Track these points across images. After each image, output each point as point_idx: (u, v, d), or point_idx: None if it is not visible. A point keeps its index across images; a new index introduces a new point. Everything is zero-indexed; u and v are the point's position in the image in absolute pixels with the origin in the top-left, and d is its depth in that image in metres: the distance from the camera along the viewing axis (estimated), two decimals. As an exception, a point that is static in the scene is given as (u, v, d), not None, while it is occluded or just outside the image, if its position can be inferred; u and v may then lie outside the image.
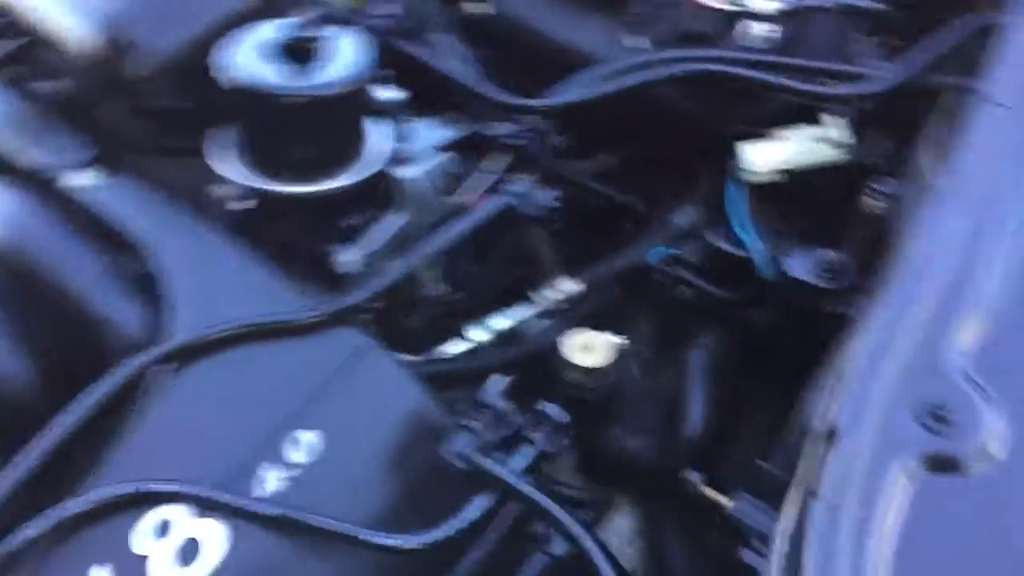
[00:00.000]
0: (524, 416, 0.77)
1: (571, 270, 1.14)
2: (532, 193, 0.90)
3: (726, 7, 0.98)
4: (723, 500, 0.76)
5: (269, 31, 0.86)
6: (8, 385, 0.80)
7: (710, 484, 0.88)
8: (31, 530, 0.67)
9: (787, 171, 0.97)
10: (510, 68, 1.21)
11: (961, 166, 0.73)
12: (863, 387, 0.64)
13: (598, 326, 1.11)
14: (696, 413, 0.97)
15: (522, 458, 0.75)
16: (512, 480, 0.73)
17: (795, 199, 0.99)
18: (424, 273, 0.94)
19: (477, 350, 1.03)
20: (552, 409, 0.77)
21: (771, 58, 0.96)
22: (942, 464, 0.61)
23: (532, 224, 0.92)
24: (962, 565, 0.58)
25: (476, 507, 0.72)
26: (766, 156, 0.98)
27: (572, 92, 0.99)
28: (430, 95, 1.05)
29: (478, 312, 1.08)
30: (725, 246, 0.98)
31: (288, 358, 0.80)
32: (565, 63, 1.10)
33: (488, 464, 0.73)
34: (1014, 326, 0.67)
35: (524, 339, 1.04)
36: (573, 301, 1.09)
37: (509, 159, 0.98)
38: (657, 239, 1.09)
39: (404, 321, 0.98)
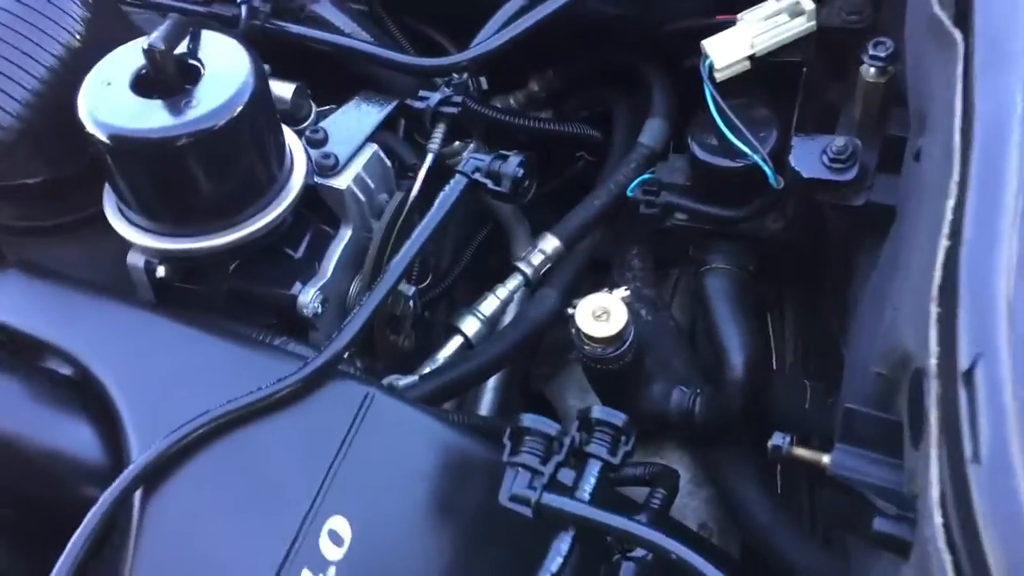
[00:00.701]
0: (577, 431, 0.66)
1: (538, 226, 1.03)
2: (493, 164, 0.77)
3: None
4: (822, 458, 0.66)
5: (125, 60, 0.69)
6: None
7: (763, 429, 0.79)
8: None
9: (754, 57, 0.85)
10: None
11: (990, 17, 0.62)
12: (978, 306, 0.54)
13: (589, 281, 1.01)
14: (735, 350, 0.86)
15: (589, 480, 0.64)
16: (589, 514, 0.62)
17: (773, 86, 0.87)
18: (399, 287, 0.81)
19: (475, 346, 0.92)
20: (602, 412, 0.66)
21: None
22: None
23: (503, 200, 0.79)
24: None
25: (557, 553, 0.62)
26: (729, 47, 0.86)
27: (496, 36, 0.85)
28: (330, 76, 0.90)
29: (460, 300, 0.97)
30: (716, 160, 0.86)
31: (284, 437, 0.68)
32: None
33: (556, 502, 0.62)
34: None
35: (521, 320, 0.93)
36: (556, 260, 0.97)
37: (443, 129, 0.84)
38: (629, 166, 0.98)
39: (389, 340, 0.86)
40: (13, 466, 0.69)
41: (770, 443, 0.70)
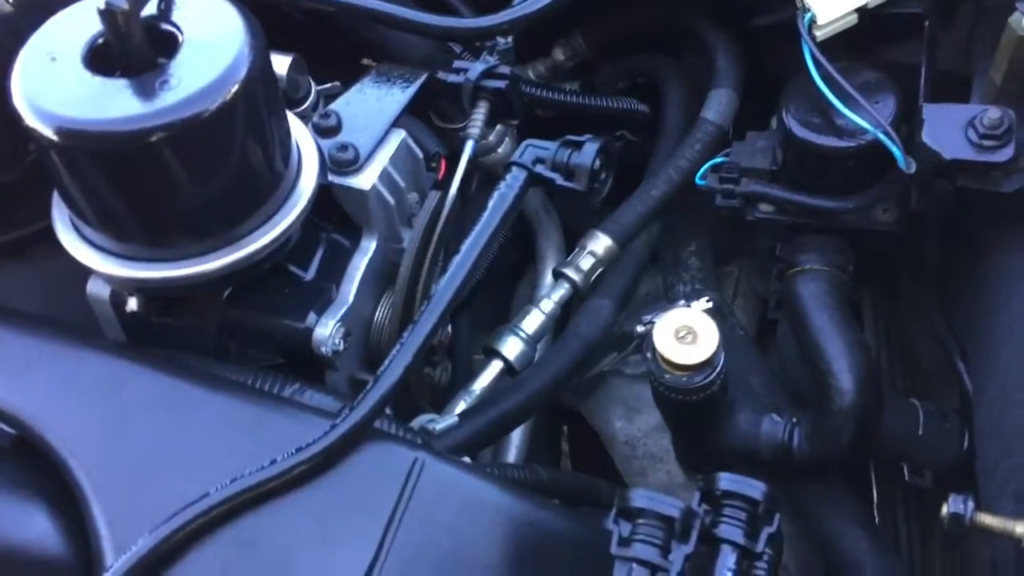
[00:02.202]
0: (699, 506, 0.49)
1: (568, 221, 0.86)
2: (560, 153, 0.60)
3: None
4: (1016, 527, 0.51)
5: (71, 24, 0.51)
6: None
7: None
8: None
9: (864, 9, 0.69)
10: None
11: None
12: None
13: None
14: (844, 371, 0.70)
15: (724, 574, 0.48)
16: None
17: (885, 45, 0.71)
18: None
19: (517, 370, 0.76)
20: (734, 482, 0.50)
21: None
22: None
23: (577, 198, 0.62)
24: None
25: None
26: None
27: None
28: (328, 44, 0.72)
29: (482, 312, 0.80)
30: (823, 139, 0.70)
31: (315, 522, 0.51)
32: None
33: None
34: None
35: (571, 338, 0.77)
36: (609, 263, 0.81)
37: (486, 109, 0.67)
38: (694, 147, 0.81)
39: (425, 377, 0.69)
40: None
41: (948, 510, 0.54)
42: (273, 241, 0.55)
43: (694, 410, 0.70)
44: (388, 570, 0.51)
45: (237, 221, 0.55)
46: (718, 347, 0.65)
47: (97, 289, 0.58)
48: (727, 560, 0.49)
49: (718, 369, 0.67)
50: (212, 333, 0.59)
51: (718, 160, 0.79)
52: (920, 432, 0.76)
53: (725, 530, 0.50)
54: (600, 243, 0.81)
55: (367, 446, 0.53)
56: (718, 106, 0.83)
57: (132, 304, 0.57)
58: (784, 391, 0.80)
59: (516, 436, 0.84)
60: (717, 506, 0.51)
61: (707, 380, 0.66)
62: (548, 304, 0.79)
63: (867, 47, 0.71)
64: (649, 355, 0.66)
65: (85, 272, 0.58)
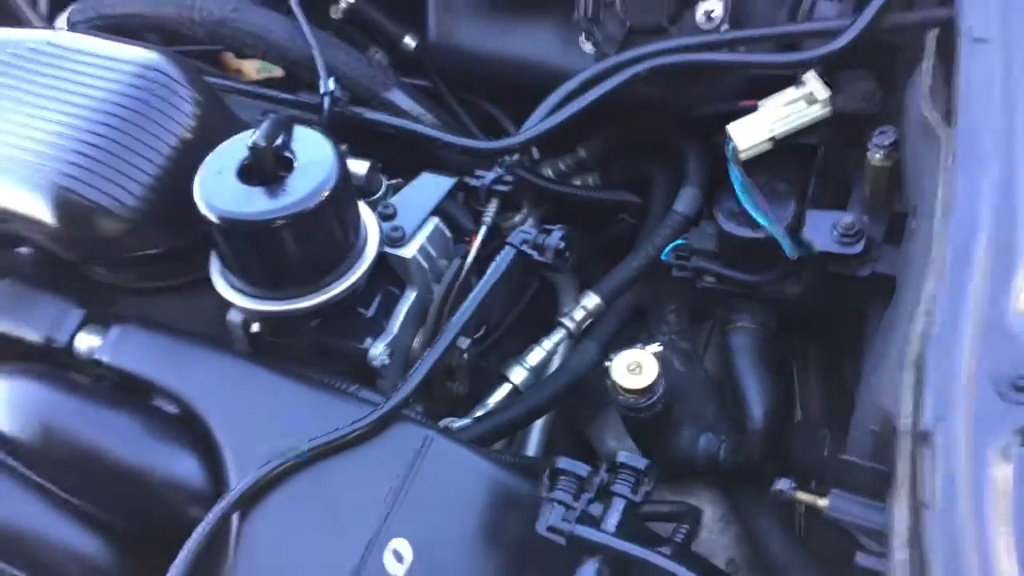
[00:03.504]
0: (605, 473, 0.77)
1: (585, 280, 1.14)
2: (538, 237, 0.89)
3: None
4: (820, 502, 0.76)
5: (232, 152, 0.82)
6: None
7: (785, 473, 0.89)
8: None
9: (774, 139, 0.96)
10: (463, 92, 1.20)
11: (968, 119, 0.72)
12: (942, 378, 0.63)
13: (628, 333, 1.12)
14: (755, 404, 0.97)
15: (614, 515, 0.75)
16: (614, 544, 0.72)
17: (792, 165, 0.98)
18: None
19: (522, 392, 1.04)
20: (626, 457, 0.77)
21: (725, 36, 0.94)
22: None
23: (547, 269, 0.91)
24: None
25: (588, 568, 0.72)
26: (751, 131, 0.96)
27: (545, 120, 0.97)
28: (400, 153, 1.03)
29: (511, 349, 1.08)
30: (740, 231, 0.97)
31: (356, 470, 0.80)
32: (520, 77, 1.10)
33: (586, 533, 0.73)
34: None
35: (563, 370, 1.04)
36: (597, 316, 1.09)
37: (496, 204, 0.97)
38: (665, 231, 1.09)
39: (445, 387, 0.97)
40: (132, 489, 0.82)
41: (775, 486, 0.80)
42: (346, 289, 0.85)
43: (645, 425, 0.97)
44: (396, 517, 0.77)
45: (324, 275, 0.85)
46: (657, 378, 0.91)
47: (233, 317, 0.89)
48: (617, 505, 0.75)
49: (658, 394, 0.93)
50: (305, 348, 0.89)
51: (678, 242, 1.07)
52: (825, 454, 1.01)
53: (618, 487, 0.76)
54: (591, 300, 1.08)
55: (396, 426, 0.82)
56: (686, 201, 1.10)
57: (255, 327, 0.88)
58: (728, 419, 1.06)
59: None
60: (617, 472, 0.77)
61: (650, 402, 0.92)
62: (548, 344, 1.07)
63: (785, 163, 0.98)
64: (609, 383, 0.93)
65: (225, 306, 0.89)
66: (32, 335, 0.88)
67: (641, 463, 0.77)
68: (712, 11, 0.94)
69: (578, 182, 1.22)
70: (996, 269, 0.66)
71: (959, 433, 0.61)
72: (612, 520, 0.74)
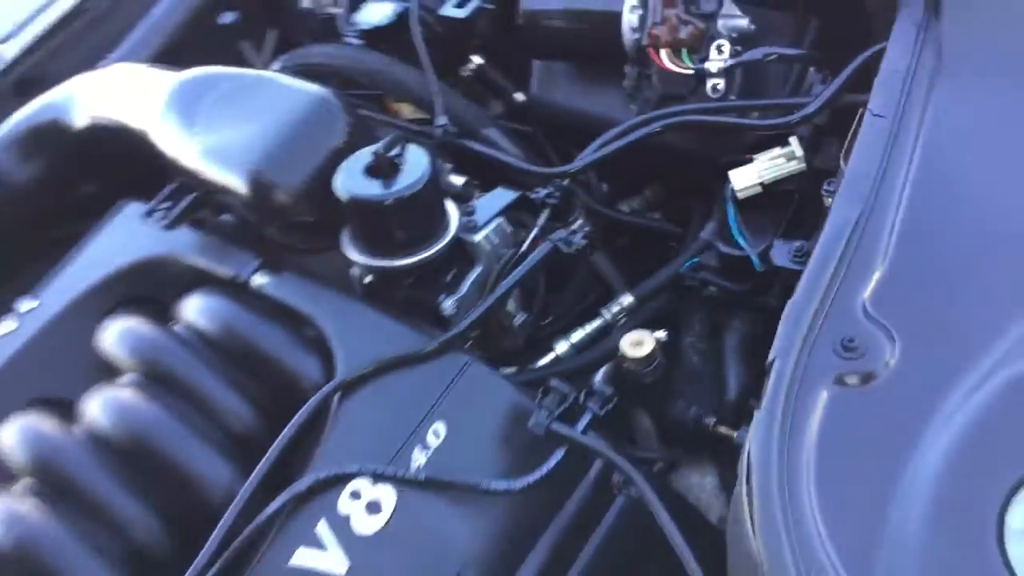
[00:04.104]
0: (584, 393, 1.09)
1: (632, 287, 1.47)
2: (569, 237, 1.23)
3: (684, 70, 1.31)
4: (732, 433, 1.06)
5: (361, 157, 1.21)
6: (241, 422, 1.17)
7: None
8: (275, 504, 1.03)
9: (762, 184, 1.27)
10: (556, 136, 1.57)
11: (852, 168, 1.02)
12: (793, 330, 0.93)
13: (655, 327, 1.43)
14: (732, 381, 1.27)
15: (582, 421, 1.07)
16: (578, 438, 1.05)
17: (775, 205, 1.29)
18: (507, 306, 1.29)
19: (561, 359, 1.37)
20: (600, 385, 1.10)
21: (726, 103, 1.27)
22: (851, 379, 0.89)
23: (575, 259, 1.25)
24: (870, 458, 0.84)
25: (554, 457, 1.05)
26: (745, 176, 1.28)
27: (587, 157, 1.33)
28: (489, 174, 1.41)
29: (564, 330, 1.42)
30: (729, 250, 1.28)
31: (418, 378, 1.15)
32: (595, 126, 1.46)
33: (558, 428, 1.06)
34: (901, 278, 0.95)
35: (596, 347, 1.37)
36: (630, 312, 1.41)
37: (547, 213, 1.32)
38: (687, 253, 1.41)
39: (499, 344, 1.32)
40: (273, 374, 1.20)
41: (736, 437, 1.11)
42: (432, 255, 1.20)
43: (640, 389, 1.28)
44: (429, 420, 1.08)
45: (417, 244, 1.22)
46: (652, 352, 1.24)
47: (354, 271, 1.27)
48: (586, 416, 1.08)
49: (653, 366, 1.25)
50: (401, 299, 1.26)
51: (693, 260, 1.39)
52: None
53: (590, 404, 1.09)
54: (627, 299, 1.41)
55: (448, 355, 1.17)
56: (708, 230, 1.41)
57: (367, 279, 1.26)
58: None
59: None
60: (590, 395, 1.10)
61: (645, 370, 1.24)
62: (589, 327, 1.41)
63: (765, 205, 1.28)
64: (619, 353, 1.26)
65: (350, 264, 1.28)
66: (224, 272, 1.30)
67: (608, 390, 1.09)
68: (718, 85, 1.28)
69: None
70: (856, 268, 0.96)
71: (791, 366, 0.90)
72: (581, 424, 1.07)
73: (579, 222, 1.39)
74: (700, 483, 1.38)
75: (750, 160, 1.29)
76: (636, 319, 1.40)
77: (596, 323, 1.40)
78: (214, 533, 1.03)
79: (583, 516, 1.12)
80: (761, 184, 1.26)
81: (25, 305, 1.33)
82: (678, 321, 1.45)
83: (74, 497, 1.09)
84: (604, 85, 1.46)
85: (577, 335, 1.39)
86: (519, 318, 1.32)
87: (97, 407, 1.14)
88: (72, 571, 1.04)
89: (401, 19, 1.52)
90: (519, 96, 1.58)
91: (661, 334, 1.28)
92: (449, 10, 1.52)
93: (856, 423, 0.87)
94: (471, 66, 1.59)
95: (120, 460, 1.11)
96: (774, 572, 0.77)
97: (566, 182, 1.33)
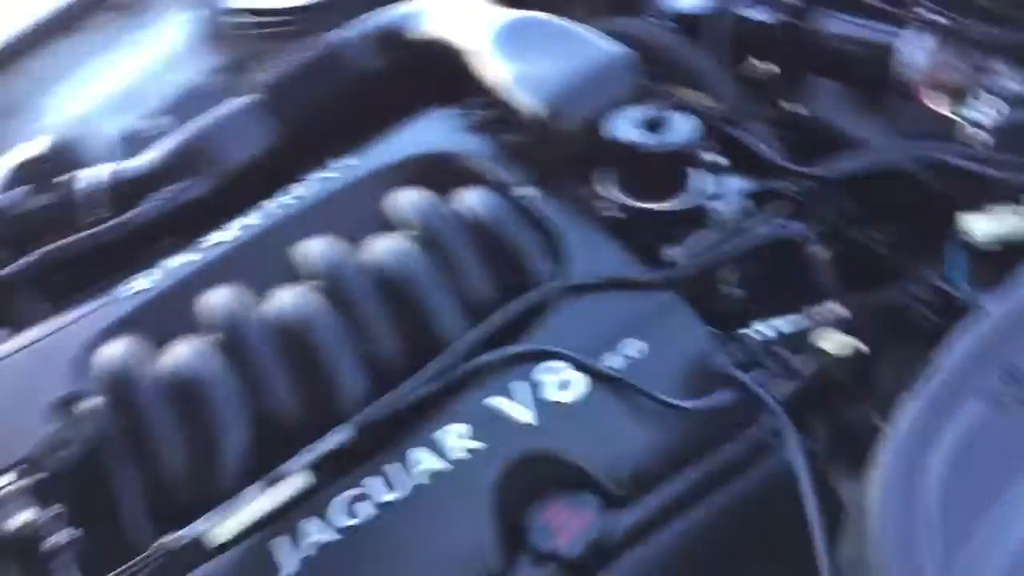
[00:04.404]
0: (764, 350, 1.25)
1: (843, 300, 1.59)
2: (795, 226, 1.38)
3: (947, 112, 1.41)
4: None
5: (637, 111, 1.42)
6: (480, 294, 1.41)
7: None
8: (487, 356, 1.27)
9: (1003, 241, 1.36)
10: (811, 151, 1.70)
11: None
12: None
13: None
14: None
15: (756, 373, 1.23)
16: (748, 382, 1.21)
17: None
18: (723, 274, 1.45)
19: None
20: (790, 358, 1.25)
21: (986, 155, 1.37)
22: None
23: (801, 254, 1.40)
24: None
25: (726, 394, 1.22)
26: (985, 225, 1.37)
27: (843, 165, 1.46)
28: (742, 162, 1.57)
29: (766, 314, 1.56)
30: (942, 286, 1.38)
31: (632, 302, 1.34)
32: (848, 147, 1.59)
33: (737, 373, 1.22)
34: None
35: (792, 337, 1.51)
36: (836, 322, 1.54)
37: (791, 208, 1.47)
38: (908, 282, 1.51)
39: (708, 306, 1.49)
40: (516, 269, 1.43)
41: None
42: (675, 207, 1.41)
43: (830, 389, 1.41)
44: (628, 339, 1.28)
45: (665, 195, 1.41)
46: (853, 354, 1.36)
47: (600, 206, 1.49)
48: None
49: (849, 367, 1.37)
50: (634, 237, 1.46)
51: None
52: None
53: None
54: (837, 307, 1.54)
55: (664, 292, 1.36)
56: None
57: (610, 213, 1.47)
58: None
59: None
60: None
61: (841, 369, 1.37)
62: (791, 320, 1.54)
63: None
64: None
65: (597, 198, 1.49)
66: (500, 177, 1.56)
67: (796, 363, 1.24)
68: (979, 135, 1.38)
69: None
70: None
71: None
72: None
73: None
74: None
75: (985, 207, 1.37)
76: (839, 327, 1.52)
77: (800, 320, 1.53)
78: (430, 364, 1.28)
79: (731, 465, 1.26)
80: (1001, 240, 1.35)
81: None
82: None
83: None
84: (867, 110, 1.58)
85: (778, 323, 1.52)
86: (733, 290, 1.48)
87: (380, 247, 1.42)
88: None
89: (710, 12, 1.71)
90: (788, 105, 1.72)
91: (853, 341, 1.40)
92: (754, 15, 1.70)
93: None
94: (753, 67, 1.75)
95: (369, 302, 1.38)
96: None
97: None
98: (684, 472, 1.23)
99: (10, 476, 1.26)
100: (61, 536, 1.21)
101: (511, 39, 1.62)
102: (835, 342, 1.33)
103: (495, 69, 1.59)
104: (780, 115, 1.69)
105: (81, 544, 1.22)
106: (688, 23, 1.73)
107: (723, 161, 1.51)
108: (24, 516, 1.22)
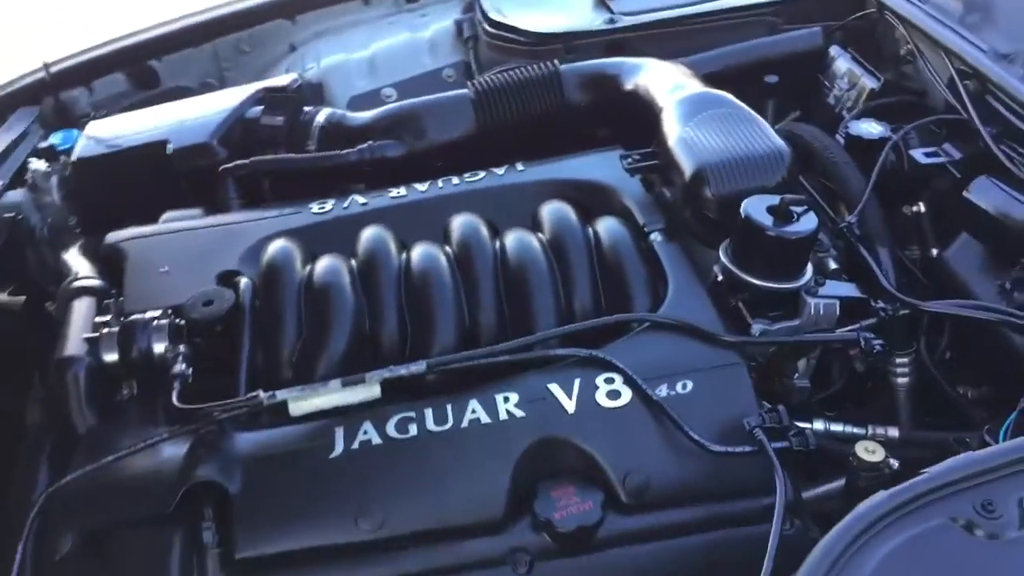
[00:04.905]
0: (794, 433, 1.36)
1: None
2: (875, 342, 1.48)
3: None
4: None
5: (775, 199, 1.56)
6: (584, 301, 1.62)
7: None
8: (568, 350, 1.47)
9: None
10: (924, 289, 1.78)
11: None
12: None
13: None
14: None
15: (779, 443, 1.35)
16: (766, 443, 1.32)
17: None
18: (797, 362, 1.57)
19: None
20: (809, 436, 1.36)
21: None
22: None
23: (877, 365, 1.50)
24: None
25: (745, 447, 1.34)
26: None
27: (941, 309, 1.56)
28: (854, 272, 1.67)
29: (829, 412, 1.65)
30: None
31: (701, 351, 1.48)
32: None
33: (759, 433, 1.34)
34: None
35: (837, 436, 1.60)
36: (887, 441, 1.61)
37: (879, 327, 1.57)
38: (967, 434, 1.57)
39: (772, 387, 1.61)
40: (620, 291, 1.62)
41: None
42: (773, 288, 1.54)
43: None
44: (684, 378, 1.44)
45: (769, 276, 1.55)
46: (884, 461, 1.45)
47: (714, 268, 1.64)
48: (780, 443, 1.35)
49: (877, 473, 1.46)
50: (727, 304, 1.59)
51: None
52: None
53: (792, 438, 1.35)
54: (892, 431, 1.61)
55: (732, 352, 1.49)
56: None
57: (719, 277, 1.62)
58: None
59: None
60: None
61: (870, 473, 1.46)
62: (846, 427, 1.63)
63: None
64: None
65: (715, 261, 1.64)
66: (637, 217, 1.74)
67: (811, 441, 1.35)
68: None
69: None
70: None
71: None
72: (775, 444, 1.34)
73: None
74: None
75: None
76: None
77: (854, 428, 1.61)
78: (514, 341, 1.49)
79: (728, 518, 1.36)
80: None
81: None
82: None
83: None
84: (993, 274, 1.66)
85: (835, 427, 1.61)
86: (800, 381, 1.59)
87: (514, 236, 1.66)
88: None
89: (881, 141, 1.83)
90: (935, 252, 1.80)
91: (894, 462, 1.48)
92: (922, 157, 1.80)
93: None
94: (913, 208, 1.84)
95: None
96: None
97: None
98: (686, 506, 1.36)
99: (161, 314, 1.56)
100: (180, 368, 1.50)
101: (696, 108, 1.80)
102: (871, 452, 1.42)
103: (672, 127, 1.78)
104: (909, 248, 1.78)
105: (193, 381, 1.50)
106: (859, 145, 1.85)
107: (834, 264, 1.62)
108: (159, 346, 1.52)
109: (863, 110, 2.04)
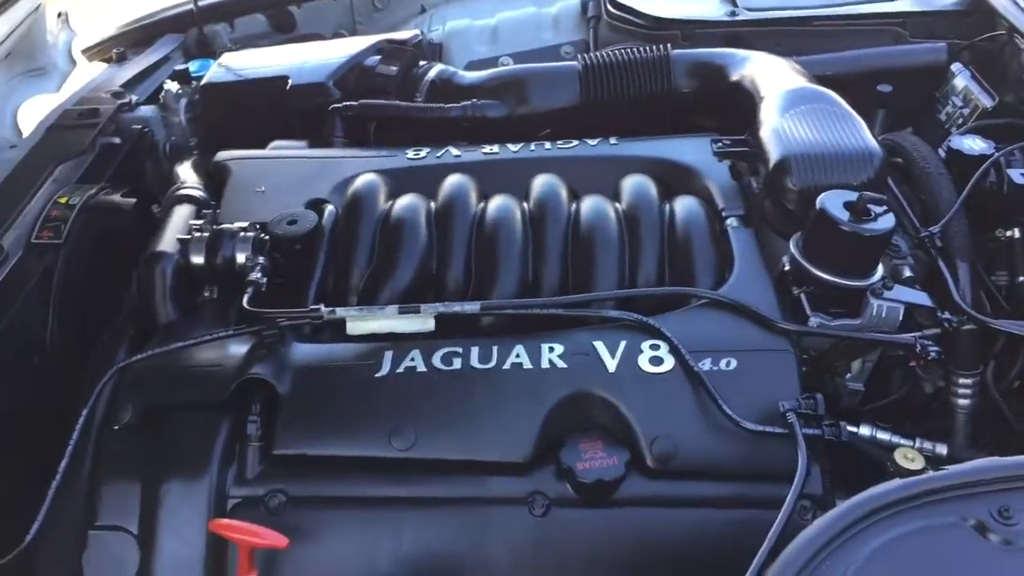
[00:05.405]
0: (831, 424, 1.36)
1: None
2: (932, 350, 1.45)
3: None
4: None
5: (854, 195, 1.54)
6: (648, 270, 1.65)
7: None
8: (618, 313, 1.50)
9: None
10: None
11: None
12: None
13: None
14: None
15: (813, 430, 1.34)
16: (796, 428, 1.32)
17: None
18: (851, 362, 1.55)
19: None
20: (846, 431, 1.35)
21: None
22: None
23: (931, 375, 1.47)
24: None
25: (776, 427, 1.34)
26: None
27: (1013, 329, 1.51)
28: (929, 282, 1.63)
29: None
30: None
31: (753, 333, 1.49)
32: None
33: (791, 417, 1.34)
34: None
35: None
36: (932, 456, 1.57)
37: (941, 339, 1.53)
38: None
39: (822, 385, 1.59)
40: (684, 266, 1.64)
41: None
42: (838, 283, 1.53)
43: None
44: (730, 355, 1.44)
45: (837, 271, 1.54)
46: (923, 470, 1.43)
47: (783, 257, 1.63)
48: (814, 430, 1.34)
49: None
50: (791, 292, 1.59)
51: None
52: None
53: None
54: (941, 448, 1.57)
55: (784, 338, 1.49)
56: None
57: (786, 266, 1.62)
58: None
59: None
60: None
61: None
62: (894, 438, 1.59)
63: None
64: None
65: (784, 251, 1.63)
66: (713, 203, 1.75)
67: (845, 433, 1.34)
68: None
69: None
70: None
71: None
72: (807, 429, 1.34)
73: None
74: None
75: None
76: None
77: (901, 440, 1.57)
78: (570, 296, 1.53)
79: (762, 500, 1.35)
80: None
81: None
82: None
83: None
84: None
85: (882, 434, 1.58)
86: (853, 383, 1.57)
87: (590, 202, 1.71)
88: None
89: (982, 157, 1.77)
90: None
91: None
92: (1020, 178, 1.74)
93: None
94: (1007, 232, 1.78)
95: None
96: None
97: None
98: (711, 480, 1.37)
99: (249, 227, 1.67)
100: (256, 277, 1.60)
101: (796, 101, 1.79)
102: (910, 459, 1.40)
103: (768, 116, 1.78)
104: (997, 274, 1.72)
105: (265, 293, 1.60)
106: (958, 160, 1.80)
107: (908, 272, 1.59)
108: (242, 256, 1.62)
109: (971, 127, 1.98)
